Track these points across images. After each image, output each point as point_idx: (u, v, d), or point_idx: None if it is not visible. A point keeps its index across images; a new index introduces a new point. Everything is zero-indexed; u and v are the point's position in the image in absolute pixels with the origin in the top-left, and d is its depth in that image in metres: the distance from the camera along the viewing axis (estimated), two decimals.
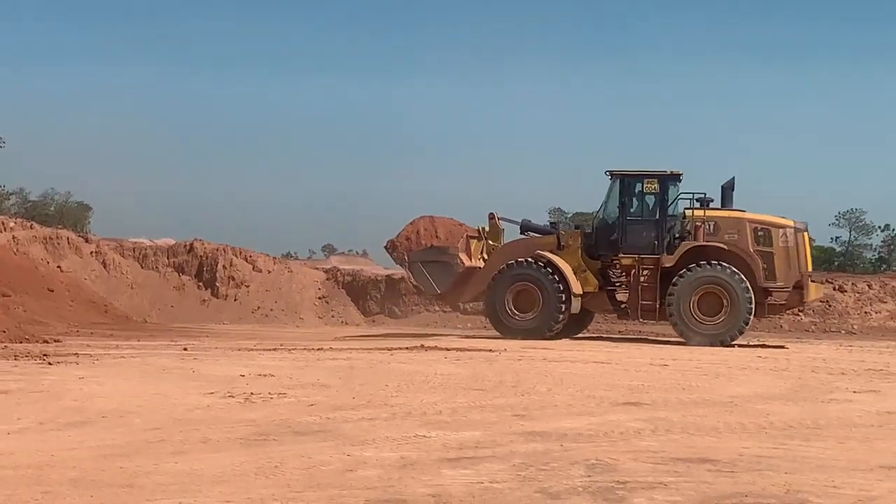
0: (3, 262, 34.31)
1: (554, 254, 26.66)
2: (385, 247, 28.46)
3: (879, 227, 68.79)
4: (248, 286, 40.82)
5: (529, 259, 26.64)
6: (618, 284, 27.21)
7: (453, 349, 21.41)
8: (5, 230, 41.78)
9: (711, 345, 24.93)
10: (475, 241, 28.05)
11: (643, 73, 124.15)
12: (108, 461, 8.45)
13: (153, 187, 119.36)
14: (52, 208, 63.00)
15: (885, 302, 39.10)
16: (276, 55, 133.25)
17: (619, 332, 32.80)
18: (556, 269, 26.30)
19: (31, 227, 43.19)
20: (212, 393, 12.94)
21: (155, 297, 40.32)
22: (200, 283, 41.15)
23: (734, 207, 26.72)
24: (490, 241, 27.92)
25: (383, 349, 21.11)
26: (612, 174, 26.80)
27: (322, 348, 21.17)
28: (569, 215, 63.30)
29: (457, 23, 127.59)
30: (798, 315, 36.46)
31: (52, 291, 34.23)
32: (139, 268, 41.72)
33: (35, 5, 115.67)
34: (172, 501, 7.11)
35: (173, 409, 11.63)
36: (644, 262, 26.28)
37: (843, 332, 36.42)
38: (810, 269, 26.67)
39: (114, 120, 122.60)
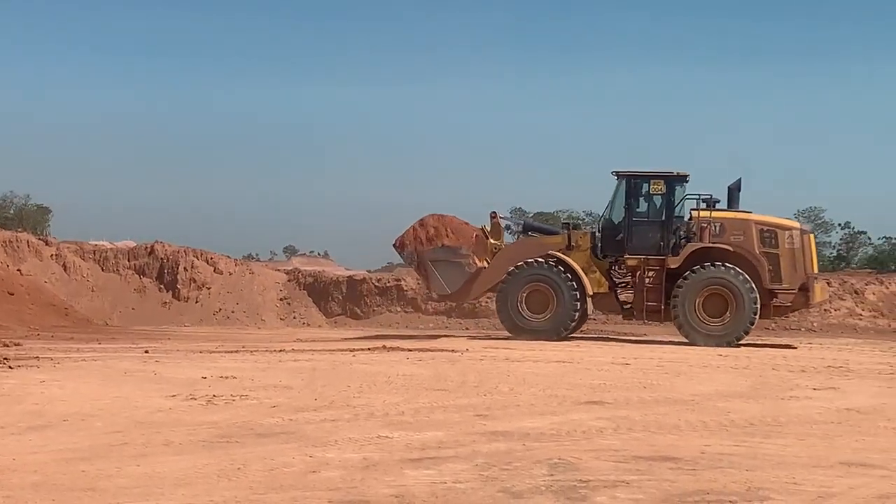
0: None
1: (564, 254, 26.68)
2: (393, 245, 28.06)
3: (839, 225, 69.15)
4: (209, 288, 40.64)
5: (542, 259, 26.63)
6: (622, 285, 27.23)
7: (416, 349, 21.42)
8: None
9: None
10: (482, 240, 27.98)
11: (599, 73, 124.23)
12: (70, 465, 8.41)
13: (113, 190, 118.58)
14: (12, 211, 62.43)
15: (844, 300, 39.38)
16: (234, 57, 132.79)
17: (581, 331, 32.85)
18: (570, 270, 26.29)
19: None
20: (174, 395, 12.90)
21: (116, 300, 40.09)
22: (161, 286, 40.93)
23: (740, 209, 26.78)
24: (492, 241, 27.79)
25: (345, 350, 21.09)
26: (619, 174, 26.77)
27: (284, 350, 21.13)
28: (530, 215, 63.28)
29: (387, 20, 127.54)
30: None
31: (12, 295, 33.97)
32: (100, 270, 41.46)
33: None
34: None
35: (135, 411, 11.58)
36: (649, 263, 26.21)
37: (802, 329, 36.64)
38: (816, 270, 26.67)
39: (73, 122, 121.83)
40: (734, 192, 26.78)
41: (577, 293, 26.12)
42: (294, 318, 39.47)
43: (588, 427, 10.77)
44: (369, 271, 48.20)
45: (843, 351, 24.96)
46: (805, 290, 26.10)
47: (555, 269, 26.27)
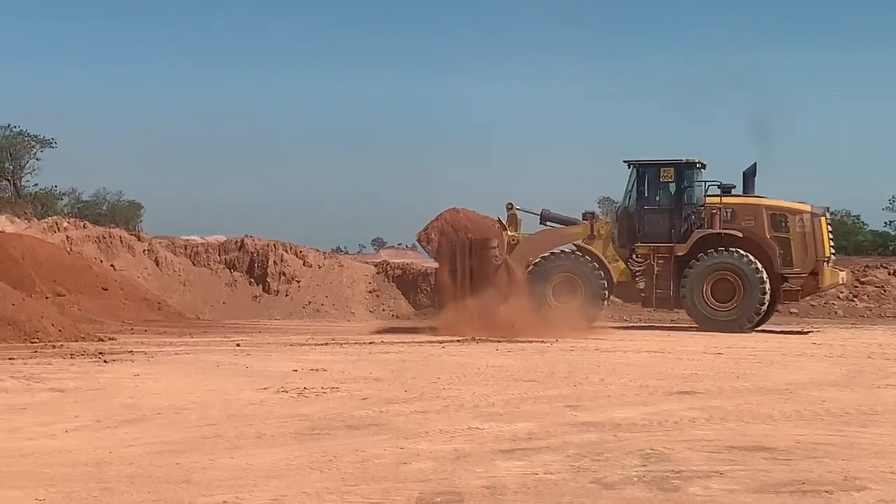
0: (57, 261, 34.63)
1: (587, 244, 26.73)
2: (418, 240, 27.96)
3: None
4: (298, 281, 40.87)
5: (567, 250, 26.70)
6: (638, 273, 27.21)
7: (505, 340, 21.40)
8: (59, 230, 42.17)
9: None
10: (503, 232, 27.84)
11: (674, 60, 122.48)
12: (165, 457, 8.51)
13: (203, 185, 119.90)
14: (105, 207, 63.25)
15: None
16: (319, 55, 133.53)
17: (672, 320, 32.64)
18: (597, 259, 26.38)
19: (84, 227, 43.52)
20: (265, 388, 13.01)
21: (207, 294, 40.49)
22: (252, 280, 41.24)
23: (755, 194, 26.77)
24: (509, 233, 27.66)
25: (434, 342, 21.13)
26: (630, 164, 26.98)
27: (373, 342, 21.22)
28: (617, 205, 62.87)
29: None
30: (853, 301, 36.11)
31: (106, 290, 34.46)
32: (191, 265, 41.89)
33: (87, 4, 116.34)
34: (228, 496, 7.16)
35: (227, 404, 11.70)
36: (659, 251, 26.52)
37: None
38: (828, 254, 26.39)
39: (164, 118, 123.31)
40: (749, 177, 26.99)
41: (605, 282, 26.18)
42: (383, 310, 39.62)
43: (680, 417, 10.67)
44: None
45: None
46: (815, 274, 26.08)
47: (581, 258, 26.34)
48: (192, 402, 11.80)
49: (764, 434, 9.66)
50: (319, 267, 41.90)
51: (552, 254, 26.70)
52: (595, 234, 26.94)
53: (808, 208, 26.43)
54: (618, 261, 26.71)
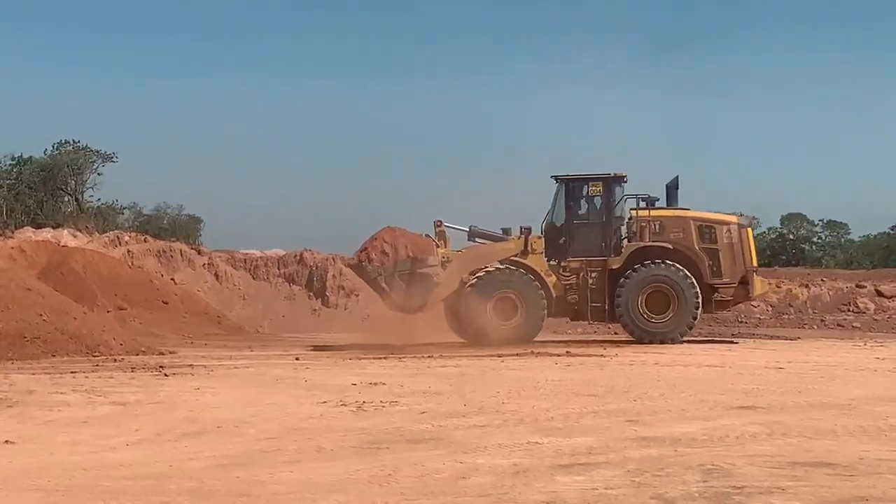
0: (118, 275, 35.07)
1: (521, 258, 26.67)
2: (358, 260, 26.73)
3: None
4: (357, 295, 41.06)
5: (502, 266, 26.49)
6: (567, 287, 27.00)
7: (564, 354, 21.36)
8: (120, 244, 42.72)
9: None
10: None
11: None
12: (225, 471, 8.56)
13: (263, 195, 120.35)
14: (165, 221, 63.87)
15: None
16: (384, 61, 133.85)
17: (732, 334, 32.45)
18: (535, 274, 26.34)
19: (145, 241, 44.07)
20: (324, 402, 13.05)
21: (266, 308, 40.78)
22: (311, 293, 41.53)
23: (679, 206, 27.01)
24: (440, 250, 27.25)
25: (493, 356, 21.12)
26: (558, 178, 27.09)
27: (432, 356, 21.25)
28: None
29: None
30: None
31: (167, 304, 34.84)
32: (250, 279, 42.25)
33: (144, 17, 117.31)
34: None
35: (287, 418, 11.75)
36: (592, 265, 26.67)
37: None
38: (755, 264, 27.11)
39: (225, 133, 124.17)
40: (672, 189, 27.43)
41: (545, 297, 26.12)
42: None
43: (741, 432, 10.58)
44: None
45: None
46: (745, 283, 26.65)
47: (517, 273, 26.24)
48: (251, 416, 11.86)
49: (826, 450, 9.56)
50: None
51: (489, 271, 26.49)
52: (529, 248, 26.88)
53: (735, 219, 27.26)
54: (552, 275, 26.72)
